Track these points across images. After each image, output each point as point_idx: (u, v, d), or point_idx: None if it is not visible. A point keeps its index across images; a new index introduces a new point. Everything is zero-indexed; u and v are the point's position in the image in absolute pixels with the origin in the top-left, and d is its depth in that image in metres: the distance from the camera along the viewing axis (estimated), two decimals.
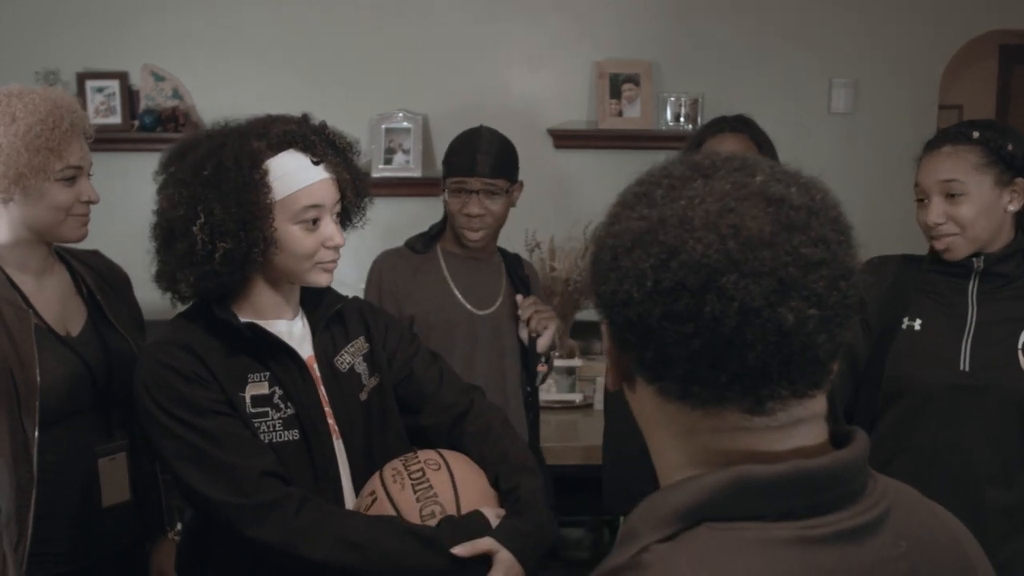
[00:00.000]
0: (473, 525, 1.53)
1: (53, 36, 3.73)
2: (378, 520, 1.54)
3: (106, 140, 3.24)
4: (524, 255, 2.78)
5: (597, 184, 3.85)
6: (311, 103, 1.79)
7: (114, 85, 3.73)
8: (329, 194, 1.61)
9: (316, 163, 1.60)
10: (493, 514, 1.57)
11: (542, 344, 2.41)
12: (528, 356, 2.45)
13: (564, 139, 3.78)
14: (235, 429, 1.55)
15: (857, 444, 0.75)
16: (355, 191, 1.68)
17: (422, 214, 3.44)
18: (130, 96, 3.75)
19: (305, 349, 1.67)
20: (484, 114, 2.67)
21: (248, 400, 1.58)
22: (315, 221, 1.60)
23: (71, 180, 1.84)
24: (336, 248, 1.62)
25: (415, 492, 1.56)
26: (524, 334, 2.43)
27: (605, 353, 0.81)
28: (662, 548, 0.70)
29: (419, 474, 1.58)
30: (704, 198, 0.71)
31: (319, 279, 1.64)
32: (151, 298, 2.15)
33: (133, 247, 2.19)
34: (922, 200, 1.96)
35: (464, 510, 1.56)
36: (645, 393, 0.77)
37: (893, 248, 2.14)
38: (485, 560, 1.51)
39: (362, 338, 1.76)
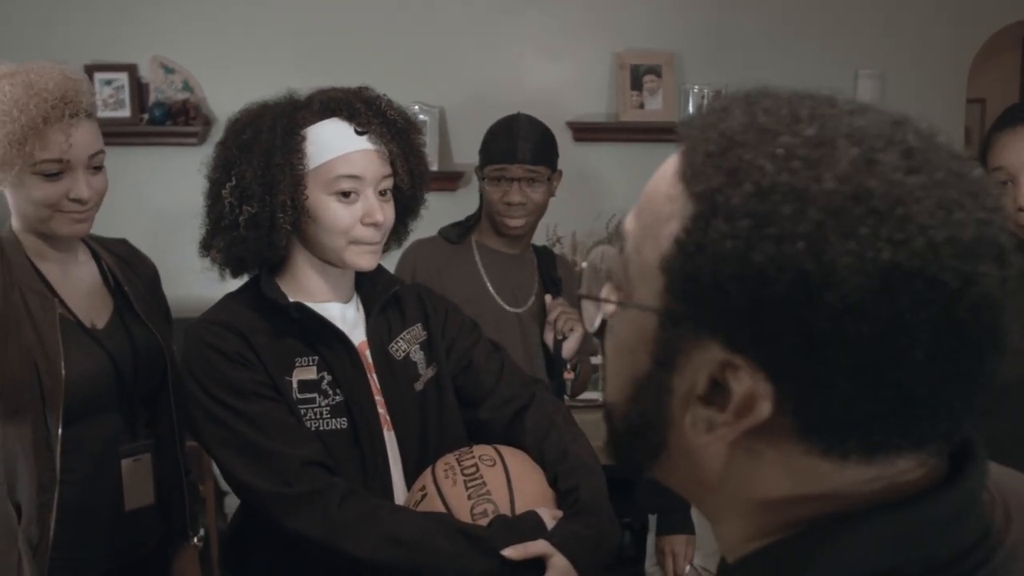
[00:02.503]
0: (527, 526, 1.44)
1: (60, 26, 3.65)
2: (427, 517, 1.45)
3: (114, 134, 3.18)
4: None
5: (618, 178, 3.77)
6: None
7: (123, 77, 3.65)
8: (372, 167, 1.51)
9: (360, 133, 1.51)
10: (549, 515, 1.47)
11: (567, 349, 2.32)
12: (553, 362, 2.35)
13: (584, 132, 3.70)
14: (279, 415, 1.48)
15: (981, 455, 0.62)
16: (407, 169, 1.56)
17: (438, 209, 3.34)
18: (139, 89, 3.68)
19: (358, 334, 1.59)
20: (502, 107, 2.59)
21: (295, 385, 1.50)
22: (351, 194, 1.50)
23: (54, 176, 1.69)
24: (375, 225, 1.51)
25: (467, 489, 1.47)
26: (549, 337, 2.33)
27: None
28: None
29: (473, 470, 1.49)
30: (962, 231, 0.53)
31: (358, 260, 1.53)
32: (174, 294, 2.09)
33: (142, 245, 2.13)
34: (1004, 183, 1.85)
35: (519, 510, 1.47)
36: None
37: None
38: (538, 564, 1.42)
39: (420, 325, 1.66)
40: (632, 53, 3.67)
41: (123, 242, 2.01)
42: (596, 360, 3.15)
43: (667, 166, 0.62)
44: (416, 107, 3.61)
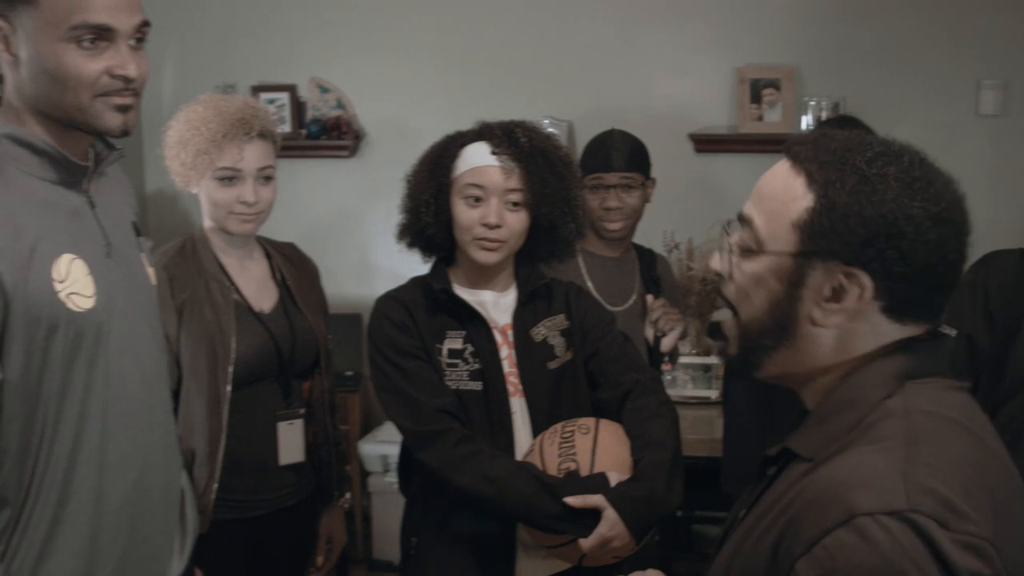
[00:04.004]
0: (593, 483, 1.74)
1: (231, 53, 4.09)
2: (517, 464, 1.79)
3: None
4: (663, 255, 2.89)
5: (736, 187, 3.89)
6: (459, 110, 2.00)
7: (284, 97, 4.05)
8: (496, 179, 1.84)
9: (494, 153, 1.85)
10: (616, 479, 1.75)
11: (666, 344, 2.52)
12: (652, 356, 2.56)
13: (705, 143, 3.86)
14: (425, 372, 1.86)
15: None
16: (528, 186, 1.84)
17: None
18: (298, 107, 4.07)
19: (506, 317, 1.94)
20: (627, 119, 2.78)
21: (445, 351, 1.88)
22: (477, 199, 1.84)
23: (228, 180, 2.10)
24: (489, 226, 1.83)
25: (559, 448, 1.78)
26: (650, 333, 2.53)
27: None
28: (895, 399, 0.98)
29: (569, 435, 1.80)
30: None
31: (476, 255, 1.87)
32: (328, 292, 2.42)
33: (302, 246, 2.46)
34: None
35: (596, 471, 1.75)
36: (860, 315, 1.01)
37: None
38: (595, 514, 1.70)
39: (563, 316, 1.99)
40: (752, 68, 3.81)
41: (291, 245, 2.39)
42: (710, 360, 3.34)
43: (775, 173, 1.04)
44: (546, 120, 3.86)
